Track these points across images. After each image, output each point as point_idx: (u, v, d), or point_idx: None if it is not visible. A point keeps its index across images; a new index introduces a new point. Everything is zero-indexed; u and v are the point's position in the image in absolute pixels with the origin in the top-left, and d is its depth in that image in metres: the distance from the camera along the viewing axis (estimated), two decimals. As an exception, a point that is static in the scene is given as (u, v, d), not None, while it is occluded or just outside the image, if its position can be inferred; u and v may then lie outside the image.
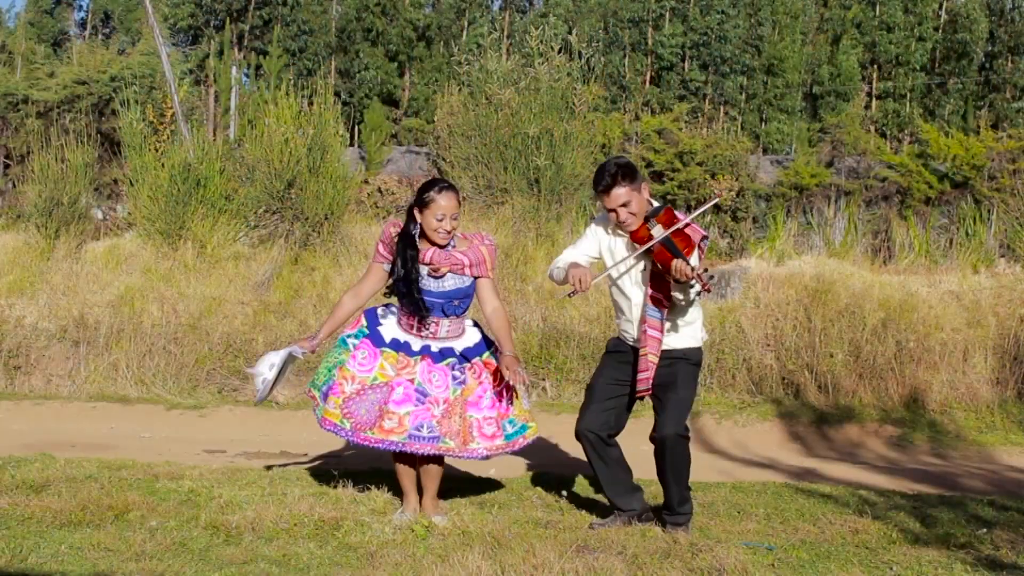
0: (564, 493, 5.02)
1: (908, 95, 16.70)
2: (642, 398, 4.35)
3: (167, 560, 3.67)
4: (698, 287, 4.09)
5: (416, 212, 4.38)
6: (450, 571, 3.59)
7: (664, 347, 4.27)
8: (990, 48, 16.98)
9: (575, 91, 9.50)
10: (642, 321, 4.27)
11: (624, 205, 4.21)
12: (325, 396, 4.43)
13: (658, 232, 4.17)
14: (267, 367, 4.48)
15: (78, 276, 8.89)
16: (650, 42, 16.33)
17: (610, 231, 4.42)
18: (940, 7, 16.99)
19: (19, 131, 14.94)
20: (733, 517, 4.66)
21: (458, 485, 5.07)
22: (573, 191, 9.53)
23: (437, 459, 4.41)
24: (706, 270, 4.08)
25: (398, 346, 4.44)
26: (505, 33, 16.34)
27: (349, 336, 4.52)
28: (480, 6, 17.39)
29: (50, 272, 8.96)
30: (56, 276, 8.90)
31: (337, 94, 15.54)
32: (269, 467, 5.58)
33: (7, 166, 15.15)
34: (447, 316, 4.43)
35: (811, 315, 8.28)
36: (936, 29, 16.85)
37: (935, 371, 8.03)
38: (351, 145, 14.30)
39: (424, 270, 4.36)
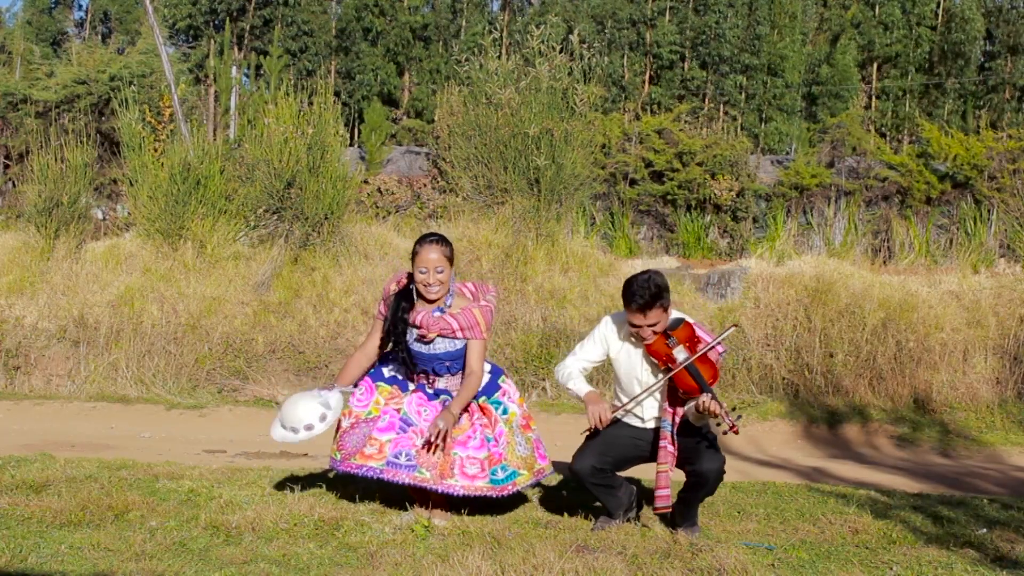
0: (564, 493, 5.01)
1: (907, 95, 16.70)
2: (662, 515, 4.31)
3: (167, 560, 3.67)
4: (725, 427, 4.06)
5: (412, 265, 4.37)
6: (450, 571, 3.59)
7: None
8: (988, 48, 16.97)
9: (575, 91, 9.49)
10: (657, 435, 4.25)
11: (652, 325, 4.19)
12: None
13: (681, 355, 4.13)
14: (318, 417, 4.33)
15: (78, 276, 8.88)
16: (648, 41, 16.32)
17: (623, 337, 4.37)
18: (938, 6, 16.99)
19: (19, 131, 14.94)
20: (733, 517, 4.66)
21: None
22: (573, 191, 9.52)
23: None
24: (734, 408, 4.06)
25: (395, 382, 4.48)
26: (504, 33, 16.34)
27: None
28: (476, 6, 17.38)
29: (50, 272, 8.95)
30: (56, 276, 8.89)
31: (337, 94, 15.54)
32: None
33: (7, 166, 15.15)
34: (440, 376, 4.45)
35: (811, 315, 8.28)
36: (933, 29, 16.85)
37: (935, 371, 8.04)
38: (351, 145, 14.29)
39: (414, 333, 4.35)
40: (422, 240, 4.35)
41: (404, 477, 4.23)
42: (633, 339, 4.32)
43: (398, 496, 4.72)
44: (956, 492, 5.56)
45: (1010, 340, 8.17)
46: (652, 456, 4.32)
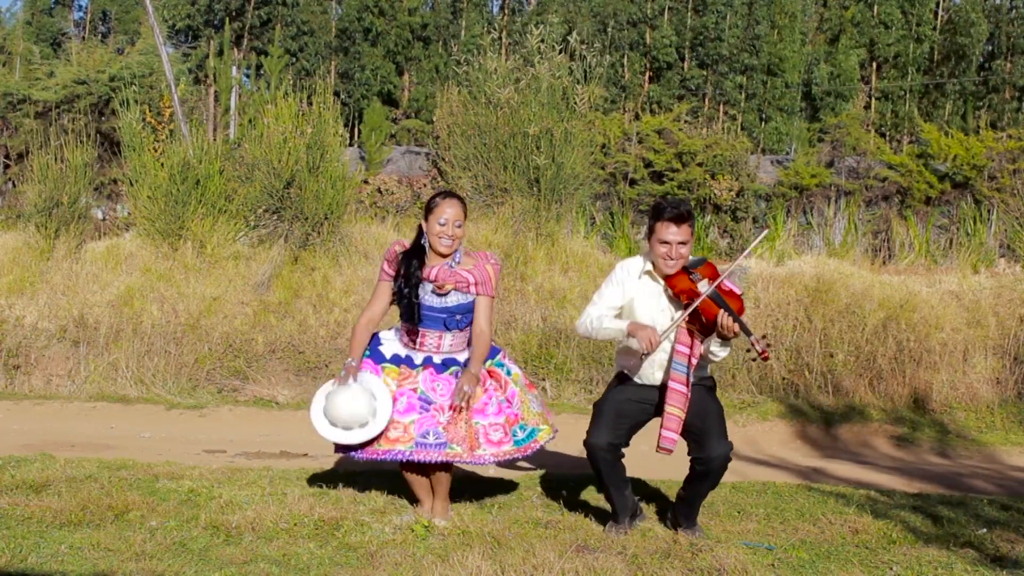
0: (564, 493, 5.01)
1: (907, 95, 16.70)
2: (666, 452, 4.23)
3: (167, 560, 3.67)
4: (755, 352, 4.04)
5: (423, 222, 4.40)
6: (450, 571, 3.59)
7: None
8: (989, 48, 16.97)
9: (575, 90, 9.49)
10: (667, 375, 4.20)
11: (681, 244, 4.18)
12: None
13: (704, 287, 4.11)
14: (369, 411, 4.23)
15: (78, 276, 8.88)
16: (648, 41, 16.32)
17: (639, 278, 4.33)
18: (937, 6, 16.99)
19: (19, 131, 14.93)
20: (733, 517, 4.66)
21: (458, 485, 5.06)
22: (573, 191, 9.52)
23: (445, 466, 4.40)
24: (764, 336, 4.03)
25: (399, 360, 4.45)
26: (504, 33, 16.34)
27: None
28: (476, 6, 17.37)
29: (50, 272, 8.95)
30: (56, 276, 8.89)
31: (336, 94, 15.54)
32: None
33: (7, 166, 15.15)
34: (449, 331, 4.43)
35: (811, 315, 8.29)
36: (934, 29, 16.85)
37: (935, 371, 8.04)
38: (351, 145, 14.29)
39: (429, 287, 4.36)
40: (442, 195, 4.40)
41: (436, 455, 4.23)
42: (651, 279, 4.28)
43: (398, 495, 4.73)
44: (956, 492, 5.56)
45: (1010, 340, 8.17)
46: (657, 412, 4.27)
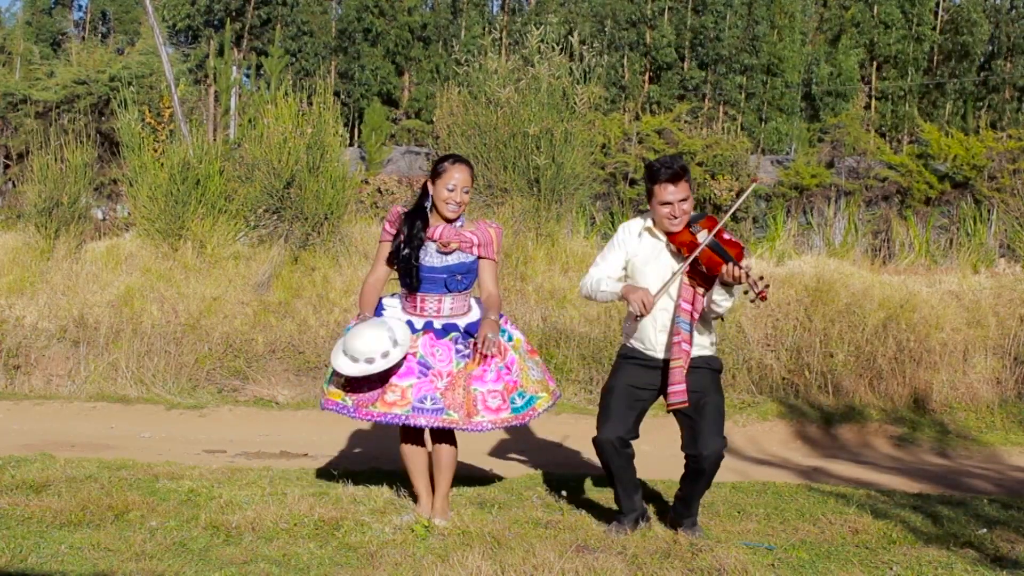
0: (564, 493, 5.01)
1: (907, 95, 16.70)
2: (676, 412, 4.22)
3: (167, 560, 3.67)
4: (752, 294, 4.00)
5: (429, 184, 4.37)
6: (450, 571, 3.58)
7: None
8: (990, 48, 16.97)
9: (575, 90, 9.48)
10: (672, 333, 4.18)
11: (682, 201, 4.18)
12: (330, 380, 4.39)
13: (703, 236, 4.10)
14: (390, 343, 4.15)
15: (78, 276, 8.88)
16: (648, 41, 16.32)
17: (643, 235, 4.33)
18: (937, 6, 17.00)
19: (18, 131, 14.94)
20: (733, 517, 4.66)
21: (458, 485, 5.06)
22: (573, 191, 9.51)
23: (449, 440, 4.38)
24: (761, 277, 4.02)
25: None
26: (504, 33, 16.34)
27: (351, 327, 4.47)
28: (476, 6, 17.38)
29: (50, 272, 8.95)
30: (56, 276, 8.89)
31: (336, 94, 15.54)
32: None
33: (7, 166, 15.15)
34: (450, 292, 4.39)
35: (811, 315, 8.28)
36: (934, 29, 16.86)
37: (935, 371, 8.04)
38: (351, 145, 14.29)
39: (433, 246, 4.34)
40: (452, 159, 4.38)
41: (432, 420, 4.20)
42: (651, 235, 4.28)
43: (398, 495, 4.73)
44: (956, 492, 5.56)
45: (1010, 340, 8.17)
46: (661, 394, 4.27)
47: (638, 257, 4.31)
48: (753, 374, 8.09)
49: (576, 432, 6.93)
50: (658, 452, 5.57)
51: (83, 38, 20.07)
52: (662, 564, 3.75)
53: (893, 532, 4.36)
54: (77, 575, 3.49)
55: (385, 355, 4.17)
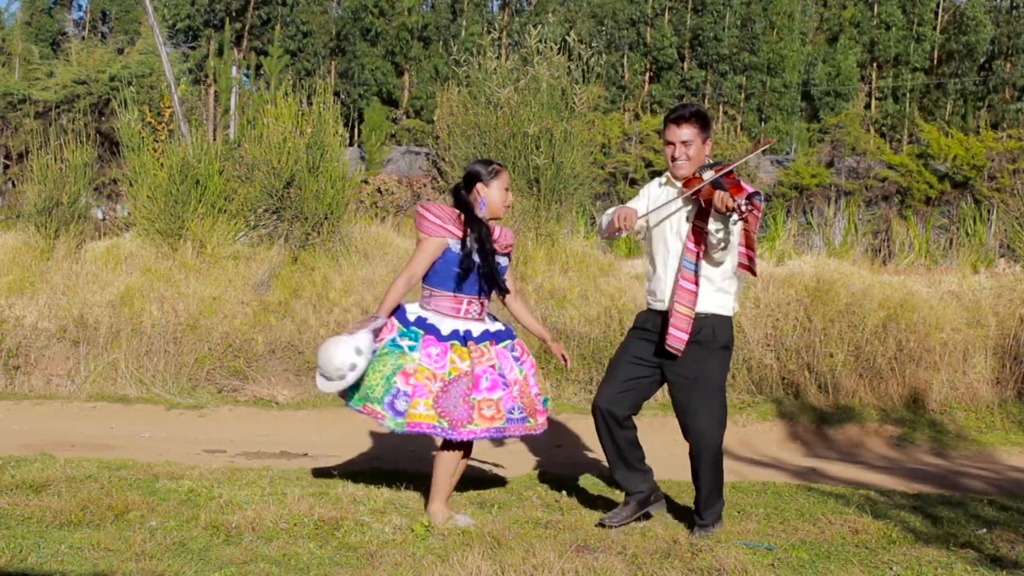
0: (564, 493, 5.01)
1: (907, 95, 16.70)
2: (672, 356, 4.20)
3: (167, 560, 3.67)
4: (735, 216, 3.95)
5: (481, 187, 4.35)
6: (450, 571, 3.58)
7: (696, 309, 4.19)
8: (990, 49, 16.97)
9: (575, 90, 9.48)
10: (677, 273, 4.18)
11: (684, 143, 4.18)
12: (392, 405, 4.21)
13: (708, 176, 4.10)
14: (348, 367, 4.16)
15: (78, 276, 8.88)
16: (648, 40, 16.33)
17: (663, 183, 4.38)
18: (938, 6, 17.00)
19: (18, 131, 14.94)
20: (733, 517, 4.66)
21: (458, 484, 5.06)
22: (573, 191, 9.52)
23: (469, 453, 4.48)
24: (748, 198, 3.93)
25: (458, 336, 4.32)
26: (504, 33, 16.34)
27: (397, 339, 4.33)
28: (476, 6, 17.38)
29: (50, 272, 8.95)
30: (56, 276, 8.89)
31: (336, 94, 15.55)
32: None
33: (7, 166, 15.15)
34: (488, 296, 4.46)
35: (811, 315, 8.28)
36: (935, 29, 16.87)
37: (935, 371, 8.04)
38: (351, 145, 14.30)
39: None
40: (498, 163, 4.46)
41: (521, 430, 4.30)
42: (669, 184, 4.30)
43: (398, 495, 4.73)
44: (955, 492, 5.56)
45: (1010, 340, 8.17)
46: (663, 381, 4.33)
47: (656, 203, 4.35)
48: (753, 374, 8.09)
49: (576, 432, 6.93)
50: (658, 452, 5.57)
51: (83, 38, 20.06)
52: (662, 564, 3.75)
53: (893, 532, 4.36)
54: (77, 575, 3.49)
55: (353, 367, 4.18)
